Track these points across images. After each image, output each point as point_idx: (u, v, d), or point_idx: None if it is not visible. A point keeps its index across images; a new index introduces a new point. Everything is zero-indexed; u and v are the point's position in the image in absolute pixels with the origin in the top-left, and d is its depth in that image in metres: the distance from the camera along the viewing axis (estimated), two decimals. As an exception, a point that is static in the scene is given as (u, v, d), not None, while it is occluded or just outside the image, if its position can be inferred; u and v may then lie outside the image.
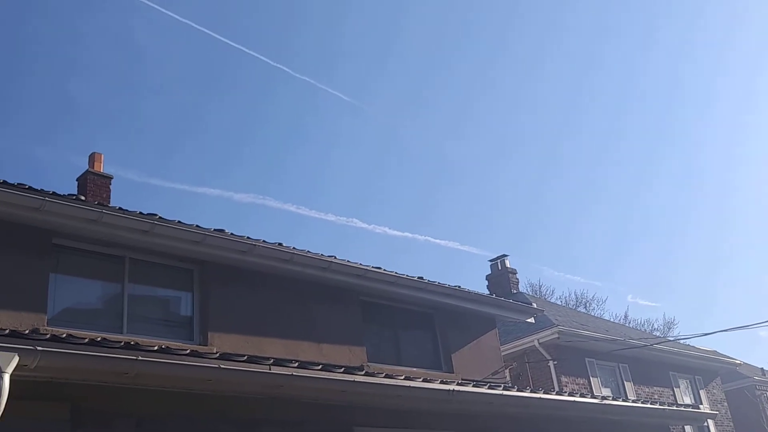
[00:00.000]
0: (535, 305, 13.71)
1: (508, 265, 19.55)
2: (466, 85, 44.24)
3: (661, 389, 17.20)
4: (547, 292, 34.62)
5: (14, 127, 35.52)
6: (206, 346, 8.73)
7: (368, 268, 10.60)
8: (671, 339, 20.48)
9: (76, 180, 11.97)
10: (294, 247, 9.93)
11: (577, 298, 35.52)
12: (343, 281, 10.48)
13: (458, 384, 8.45)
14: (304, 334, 9.88)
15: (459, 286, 11.99)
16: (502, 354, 13.30)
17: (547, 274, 59.20)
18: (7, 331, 5.50)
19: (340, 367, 7.62)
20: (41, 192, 7.75)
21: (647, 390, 16.74)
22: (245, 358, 6.58)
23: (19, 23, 33.20)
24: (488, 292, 17.10)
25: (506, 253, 19.91)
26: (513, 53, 45.24)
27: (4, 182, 7.58)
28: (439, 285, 11.57)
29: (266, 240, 9.62)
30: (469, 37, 42.43)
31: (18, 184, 7.74)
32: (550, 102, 46.98)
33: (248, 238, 9.44)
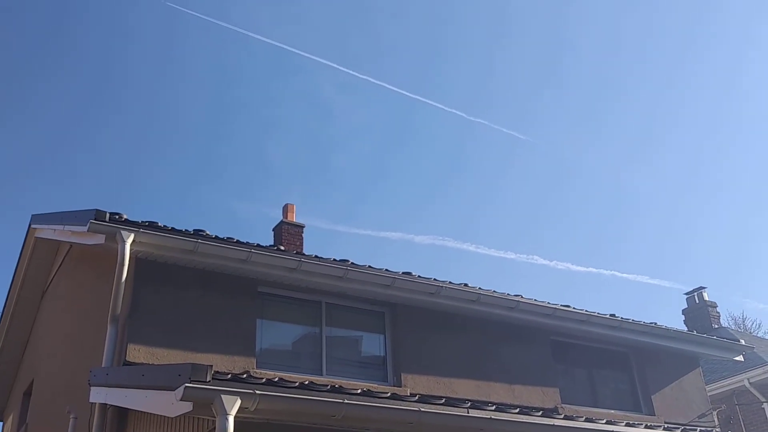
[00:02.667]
0: (742, 341, 12.63)
1: (707, 298, 18.22)
2: (648, 107, 42.05)
3: None
4: (753, 326, 31.75)
5: (218, 184, 38.85)
6: (400, 387, 8.92)
7: (557, 306, 10.35)
8: None
9: (272, 230, 12.84)
10: (480, 287, 9.94)
11: (789, 332, 32.20)
12: (532, 321, 10.31)
13: (665, 429, 7.95)
14: (494, 375, 9.80)
15: (655, 323, 11.34)
16: (708, 395, 12.34)
17: (752, 306, 54.25)
18: (229, 376, 5.98)
19: (538, 409, 7.47)
20: (247, 244, 8.39)
21: None
22: (443, 401, 6.65)
23: (225, 90, 36.54)
24: (686, 328, 16.01)
25: (704, 285, 18.59)
26: (707, 65, 41.88)
27: (216, 237, 8.30)
28: (634, 322, 11.02)
29: (452, 281, 9.72)
30: (646, 54, 40.52)
31: (227, 238, 8.45)
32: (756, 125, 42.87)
33: (435, 279, 9.59)
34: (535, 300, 10.31)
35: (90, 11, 33.98)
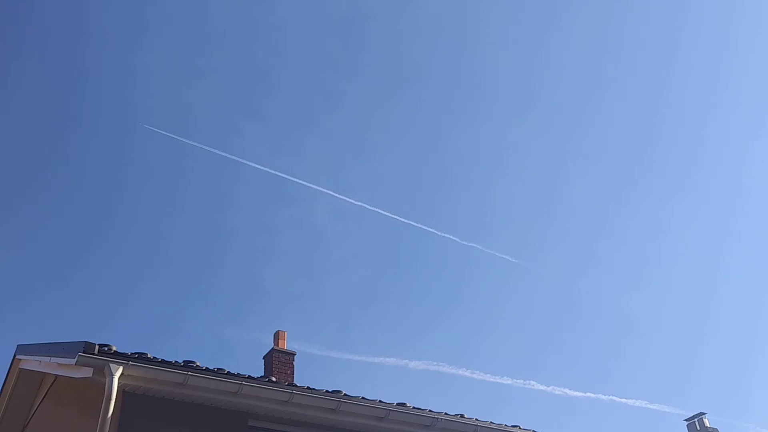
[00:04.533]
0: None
1: (708, 424, 17.74)
2: (638, 232, 42.64)
3: None
4: (755, 452, 30.73)
5: (211, 310, 38.58)
6: None
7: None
8: None
9: (263, 358, 12.62)
10: (476, 419, 9.67)
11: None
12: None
13: None
14: None
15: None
16: None
17: (754, 432, 52.66)
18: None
19: None
20: (238, 376, 8.21)
21: None
22: None
23: (222, 219, 36.96)
24: (688, 457, 15.49)
25: (704, 411, 18.16)
26: (696, 191, 42.68)
27: (206, 369, 8.13)
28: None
29: (447, 412, 9.47)
30: (636, 183, 41.49)
31: (217, 369, 8.27)
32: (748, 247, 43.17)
33: (430, 411, 9.34)
34: (534, 430, 10.03)
35: (92, 138, 34.98)
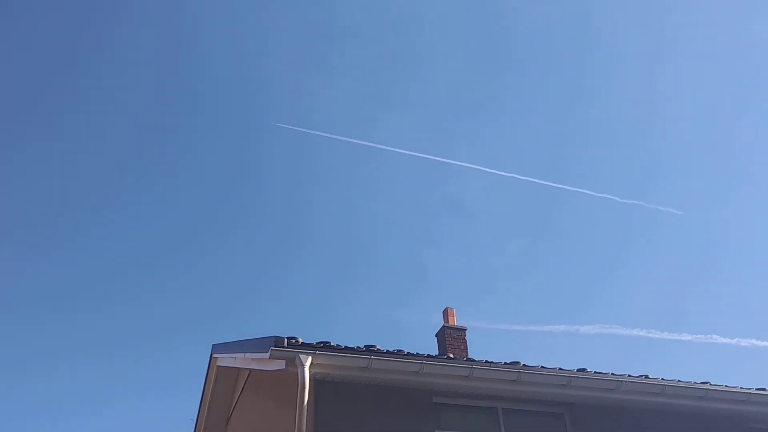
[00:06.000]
0: None
1: None
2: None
3: None
4: None
5: (377, 294, 39.85)
6: (592, 493, 8.46)
7: (751, 391, 9.54)
8: None
9: (435, 336, 12.90)
10: (662, 378, 9.41)
11: None
12: (724, 409, 9.55)
13: None
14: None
15: None
16: None
17: None
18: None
19: None
20: (418, 356, 8.49)
21: None
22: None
23: (371, 207, 38.02)
24: None
25: None
26: None
27: (387, 351, 8.47)
28: None
29: (630, 374, 9.27)
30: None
31: (397, 351, 8.60)
32: None
33: (612, 374, 9.19)
34: (726, 386, 9.57)
35: (225, 140, 37.03)
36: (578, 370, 9.05)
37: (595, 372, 9.11)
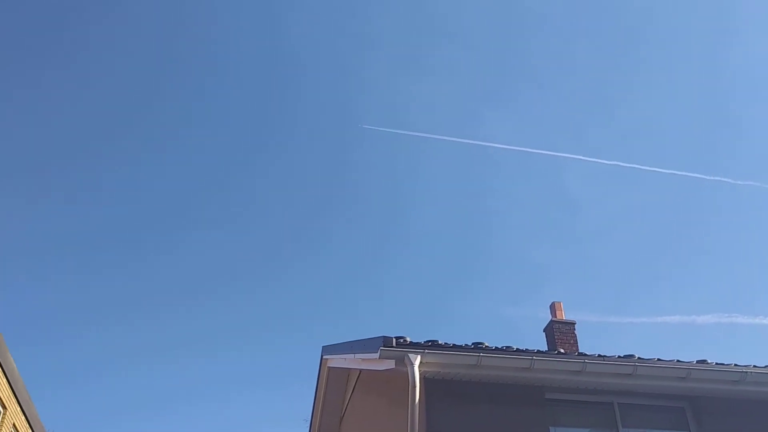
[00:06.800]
0: None
1: None
2: None
3: None
4: None
5: (488, 293, 39.71)
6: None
7: None
8: None
9: (543, 331, 12.68)
10: (793, 368, 8.86)
11: None
12: None
13: None
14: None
15: None
16: None
17: None
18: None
19: None
20: (527, 352, 8.37)
21: None
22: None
23: (476, 204, 37.92)
24: None
25: None
26: None
27: (496, 348, 8.40)
28: None
29: (756, 365, 8.79)
30: None
31: (506, 347, 8.51)
32: None
33: (735, 365, 8.75)
34: None
35: (317, 143, 37.68)
36: (698, 361, 8.67)
37: (716, 363, 8.71)
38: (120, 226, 39.38)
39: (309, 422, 13.11)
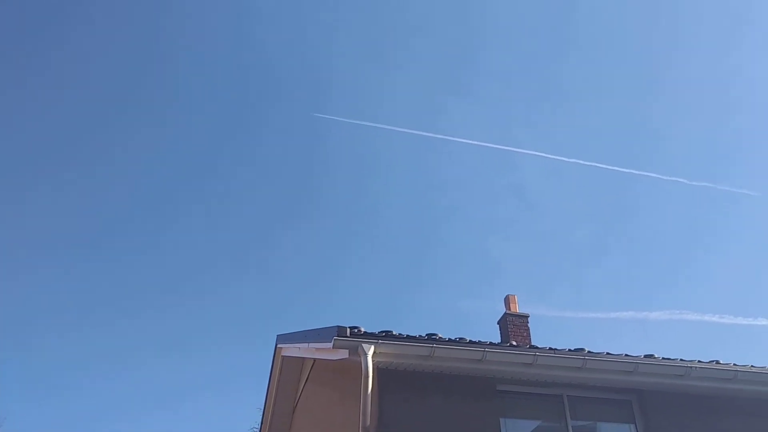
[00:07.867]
0: None
1: None
2: None
3: None
4: None
5: (445, 286, 39.93)
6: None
7: (830, 376, 9.17)
8: None
9: (497, 323, 12.82)
10: (734, 363, 9.12)
11: None
12: (801, 395, 9.22)
13: None
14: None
15: None
16: None
17: None
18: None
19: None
20: (480, 344, 8.45)
21: None
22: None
23: (435, 197, 38.03)
24: None
25: None
26: None
27: (449, 339, 8.46)
28: None
29: (701, 360, 9.03)
30: None
31: (459, 339, 8.58)
32: None
33: (681, 360, 8.98)
34: (803, 371, 9.22)
35: (289, 136, 37.51)
36: (645, 356, 8.87)
37: (663, 358, 8.92)
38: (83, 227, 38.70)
39: (262, 410, 13.06)
